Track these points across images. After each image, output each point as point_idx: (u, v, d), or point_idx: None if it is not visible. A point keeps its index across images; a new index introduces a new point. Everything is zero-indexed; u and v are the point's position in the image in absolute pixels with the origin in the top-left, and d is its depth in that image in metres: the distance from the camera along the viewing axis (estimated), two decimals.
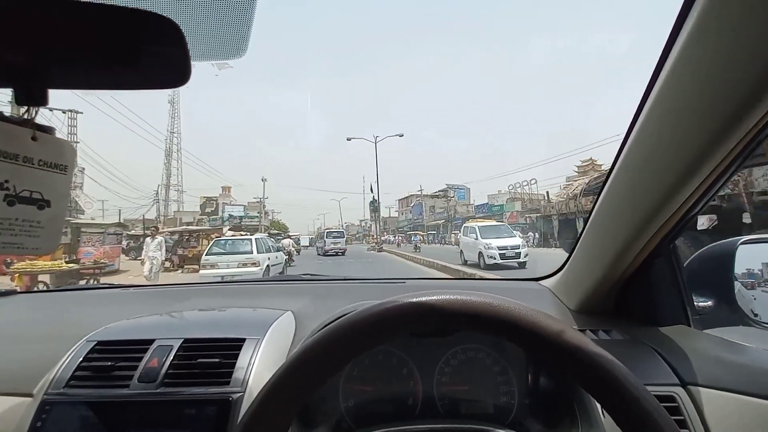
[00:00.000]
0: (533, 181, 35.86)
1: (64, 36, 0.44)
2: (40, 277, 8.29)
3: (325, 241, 23.88)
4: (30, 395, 0.71)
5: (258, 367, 0.73)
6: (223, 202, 45.42)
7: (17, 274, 8.09)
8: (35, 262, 8.27)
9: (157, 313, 0.95)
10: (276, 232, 31.90)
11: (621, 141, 0.68)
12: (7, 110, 0.50)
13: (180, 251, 14.82)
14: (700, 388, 0.67)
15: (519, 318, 0.40)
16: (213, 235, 15.38)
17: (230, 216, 40.76)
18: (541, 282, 1.16)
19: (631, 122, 0.64)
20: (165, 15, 0.45)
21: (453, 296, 0.41)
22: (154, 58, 0.47)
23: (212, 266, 9.57)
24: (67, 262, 9.71)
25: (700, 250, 0.95)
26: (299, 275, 1.61)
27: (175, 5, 0.50)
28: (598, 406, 0.65)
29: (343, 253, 22.71)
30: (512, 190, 37.80)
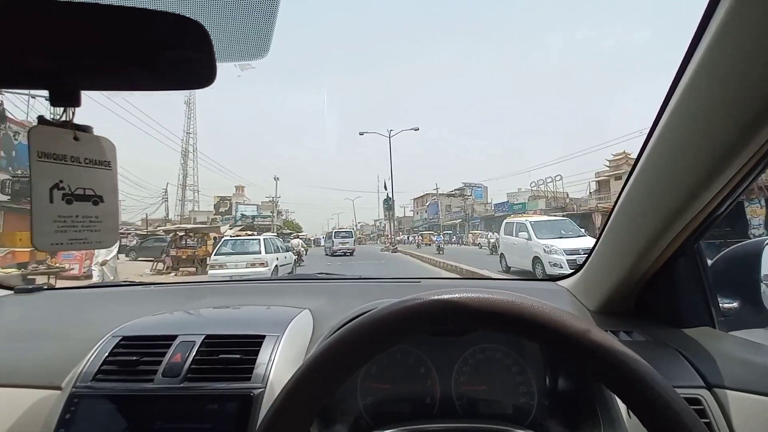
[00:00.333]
0: (558, 178, 33.10)
1: (94, 40, 0.45)
2: None
3: (333, 241, 23.72)
4: (59, 388, 0.74)
5: (278, 364, 0.74)
6: (236, 202, 45.84)
7: None
8: None
9: (179, 310, 0.97)
10: (288, 231, 31.94)
11: (645, 136, 0.67)
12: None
13: (173, 252, 13.45)
14: (726, 391, 0.65)
15: (544, 317, 0.39)
16: (211, 234, 14.76)
17: (242, 215, 41.11)
18: (558, 282, 1.15)
19: (656, 118, 0.63)
20: (191, 17, 0.46)
21: (476, 294, 0.41)
22: (181, 60, 0.48)
23: (221, 266, 9.62)
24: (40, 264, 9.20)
25: (725, 251, 0.92)
26: (314, 274, 1.62)
27: (201, 7, 0.51)
28: (621, 407, 0.64)
29: (351, 254, 22.34)
30: (534, 188, 35.60)
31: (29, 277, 9.14)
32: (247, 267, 9.40)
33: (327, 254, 23.68)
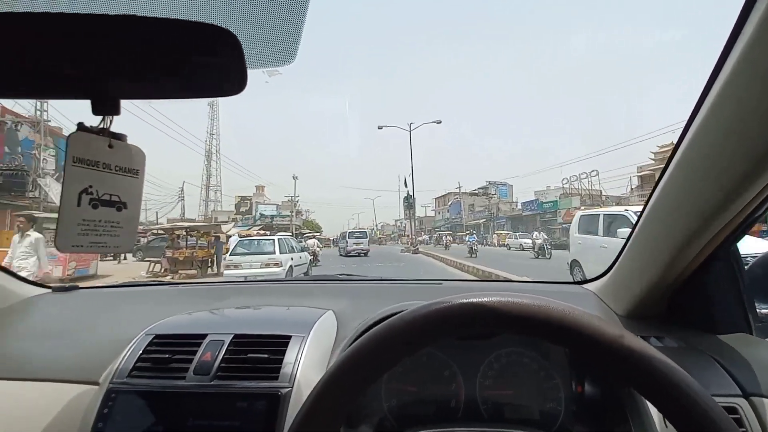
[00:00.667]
0: (594, 173, 30.75)
1: (135, 51, 0.47)
2: None
3: (347, 242, 23.58)
4: (96, 383, 0.77)
5: (304, 364, 0.75)
6: (256, 201, 46.52)
7: None
8: None
9: (205, 310, 0.99)
10: (307, 232, 31.99)
11: (680, 133, 0.64)
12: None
13: (169, 253, 12.46)
14: (765, 399, 0.63)
15: (575, 321, 0.39)
16: (212, 234, 14.30)
17: (261, 215, 41.64)
18: (585, 285, 1.12)
19: (691, 115, 0.60)
20: (222, 25, 0.47)
21: (505, 298, 0.40)
22: (214, 68, 0.49)
23: (235, 267, 9.63)
24: None
25: (763, 254, 0.89)
26: (334, 275, 1.64)
27: (231, 15, 0.53)
28: (654, 414, 0.62)
29: (365, 254, 22.12)
30: (566, 184, 33.37)
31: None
32: (261, 267, 9.39)
33: (341, 255, 23.63)
